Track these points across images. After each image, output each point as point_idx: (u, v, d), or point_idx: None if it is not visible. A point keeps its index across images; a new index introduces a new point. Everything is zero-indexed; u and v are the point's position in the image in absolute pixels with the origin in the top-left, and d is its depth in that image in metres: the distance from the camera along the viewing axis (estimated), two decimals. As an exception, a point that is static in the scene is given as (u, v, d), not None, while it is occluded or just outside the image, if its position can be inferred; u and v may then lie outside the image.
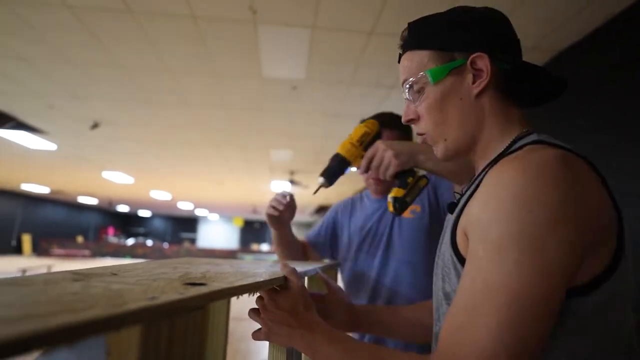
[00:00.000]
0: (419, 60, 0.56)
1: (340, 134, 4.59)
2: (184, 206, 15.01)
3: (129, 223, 22.26)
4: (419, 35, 0.58)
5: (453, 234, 0.49)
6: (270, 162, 6.28)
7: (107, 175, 7.93)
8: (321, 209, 13.82)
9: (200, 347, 0.30)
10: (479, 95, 0.53)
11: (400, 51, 0.62)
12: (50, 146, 5.43)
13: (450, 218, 0.55)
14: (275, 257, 1.18)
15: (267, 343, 0.65)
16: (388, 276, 1.02)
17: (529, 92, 0.57)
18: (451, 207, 0.56)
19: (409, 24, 0.61)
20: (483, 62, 0.52)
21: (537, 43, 2.43)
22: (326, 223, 1.27)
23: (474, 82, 0.53)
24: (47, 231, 14.94)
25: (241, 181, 8.43)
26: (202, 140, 5.07)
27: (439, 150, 0.58)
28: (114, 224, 20.96)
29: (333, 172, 0.82)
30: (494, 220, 0.40)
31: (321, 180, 0.82)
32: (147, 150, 5.71)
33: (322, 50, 2.63)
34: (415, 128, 0.62)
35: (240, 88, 3.30)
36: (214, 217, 21.91)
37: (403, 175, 0.79)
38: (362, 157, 0.81)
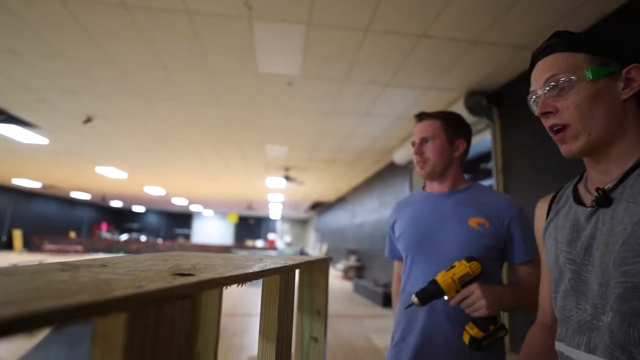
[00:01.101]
0: (572, 60, 0.64)
1: (335, 131, 4.60)
2: (179, 202, 14.95)
3: (122, 218, 22.11)
4: (573, 40, 0.66)
5: None
6: (266, 158, 6.27)
7: (100, 170, 7.87)
8: (316, 205, 13.84)
9: (190, 339, 0.31)
10: (625, 101, 0.62)
11: (539, 56, 0.69)
12: (42, 140, 5.37)
13: (613, 212, 0.61)
14: (269, 252, 1.17)
15: (257, 339, 0.65)
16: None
17: None
18: (607, 200, 0.62)
19: (556, 32, 0.69)
20: (637, 72, 0.62)
21: (530, 42, 2.45)
22: (390, 234, 1.31)
23: (624, 89, 0.62)
24: (38, 226, 14.79)
25: (236, 177, 8.41)
26: (198, 137, 5.05)
27: (577, 144, 0.64)
28: (107, 219, 20.81)
29: (429, 296, 0.89)
30: None
31: (415, 299, 0.89)
32: (141, 146, 5.68)
33: (317, 47, 2.63)
34: (546, 121, 0.67)
35: (235, 84, 3.29)
36: (208, 213, 21.84)
37: (486, 321, 0.88)
38: (457, 291, 0.90)
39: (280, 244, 15.20)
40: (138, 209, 21.02)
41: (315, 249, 15.92)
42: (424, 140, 1.15)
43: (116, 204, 18.14)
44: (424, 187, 1.25)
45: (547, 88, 0.66)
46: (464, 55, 2.66)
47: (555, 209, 0.76)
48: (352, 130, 4.56)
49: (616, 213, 0.60)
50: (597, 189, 0.64)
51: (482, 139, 3.45)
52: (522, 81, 2.86)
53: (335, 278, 9.80)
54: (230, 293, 6.18)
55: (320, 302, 0.76)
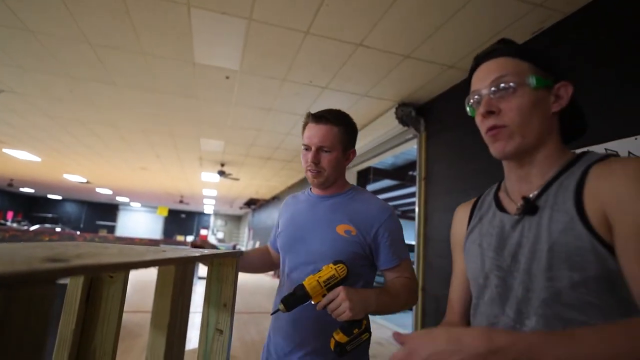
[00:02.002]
0: (518, 66, 0.67)
1: (273, 128, 4.59)
2: (103, 192, 13.79)
3: (34, 207, 19.82)
4: (520, 48, 0.69)
5: (585, 223, 0.57)
6: (200, 151, 6.06)
7: (9, 151, 6.99)
8: (251, 202, 13.64)
9: (44, 329, 0.31)
10: (553, 114, 0.67)
11: (484, 57, 0.71)
12: None
13: (538, 219, 0.63)
14: (183, 247, 1.16)
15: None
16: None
17: (571, 128, 0.72)
18: (533, 208, 0.64)
19: (504, 39, 0.73)
20: (566, 90, 0.67)
21: (455, 63, 2.68)
22: (276, 225, 1.33)
23: (553, 103, 0.67)
24: None
25: (168, 169, 7.99)
26: (126, 122, 4.72)
27: (512, 144, 0.65)
28: (14, 207, 18.50)
29: (294, 301, 0.89)
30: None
31: (281, 306, 0.88)
32: (61, 128, 5.16)
33: (258, 44, 2.62)
34: (486, 121, 0.68)
35: (170, 71, 3.14)
36: (136, 205, 20.43)
37: (351, 325, 0.89)
38: (323, 295, 0.89)
39: (212, 240, 14.74)
40: (54, 197, 18.99)
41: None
42: (321, 149, 1.10)
43: (28, 190, 16.21)
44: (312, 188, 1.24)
45: (493, 88, 0.67)
46: (397, 67, 2.83)
47: (478, 215, 0.77)
48: (290, 129, 4.59)
49: (542, 220, 0.62)
50: (523, 197, 0.66)
51: (411, 148, 3.69)
52: (446, 97, 3.12)
53: (267, 275, 9.77)
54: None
55: (228, 295, 0.78)
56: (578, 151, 0.70)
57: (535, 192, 0.66)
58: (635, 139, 1.61)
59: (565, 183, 0.63)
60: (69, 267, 0.30)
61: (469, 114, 0.76)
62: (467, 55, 2.57)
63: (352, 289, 0.90)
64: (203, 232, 19.96)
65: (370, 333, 0.91)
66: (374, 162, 4.54)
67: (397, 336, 0.55)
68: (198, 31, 2.49)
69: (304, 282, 0.90)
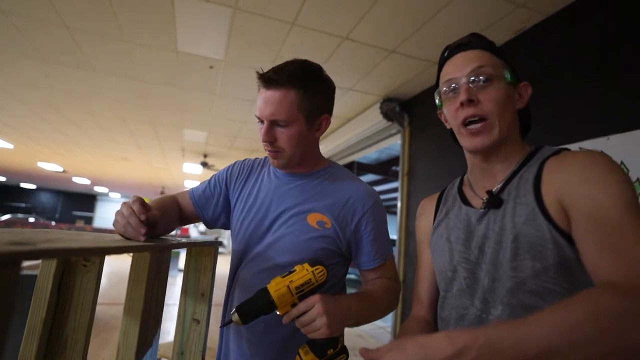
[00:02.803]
0: (494, 60, 0.68)
1: (259, 121, 4.54)
2: (80, 181, 13.41)
3: (6, 196, 19.12)
4: (494, 45, 0.71)
5: (545, 214, 0.59)
6: (183, 142, 5.95)
7: (-21, 137, 6.71)
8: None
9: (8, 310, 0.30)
10: (515, 111, 0.70)
11: (459, 48, 0.72)
12: None
13: (503, 212, 0.64)
14: (180, 240, 0.98)
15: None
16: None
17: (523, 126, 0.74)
18: (497, 201, 0.66)
19: (475, 33, 0.73)
20: (526, 90, 0.71)
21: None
22: (217, 184, 1.02)
23: (517, 100, 0.70)
24: None
25: (149, 159, 7.83)
26: (105, 110, 4.59)
27: (490, 138, 0.66)
28: (-15, 195, 17.81)
29: (254, 312, 0.67)
30: (605, 175, 0.55)
31: (235, 317, 0.66)
32: (35, 114, 4.97)
33: (243, 34, 2.58)
34: (464, 111, 0.67)
35: (152, 58, 3.06)
36: (115, 195, 19.97)
37: (325, 344, 0.69)
38: (293, 304, 0.69)
39: (193, 232, 14.56)
40: (28, 186, 18.36)
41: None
42: (274, 124, 0.87)
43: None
44: None
45: (473, 77, 0.66)
46: (382, 62, 2.84)
47: (444, 209, 0.77)
48: (275, 122, 4.56)
49: (506, 213, 0.64)
50: (488, 192, 0.68)
51: (395, 144, 3.72)
52: (430, 93, 3.15)
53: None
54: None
55: (205, 284, 0.77)
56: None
57: (499, 186, 0.68)
58: (608, 139, 1.67)
59: (524, 176, 0.65)
60: (35, 250, 0.29)
61: (437, 104, 0.76)
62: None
63: (329, 299, 0.71)
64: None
65: (347, 355, 0.72)
66: (358, 157, 4.56)
67: (365, 353, 0.52)
68: (182, 18, 2.44)
69: (268, 286, 0.68)
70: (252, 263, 0.88)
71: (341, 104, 3.65)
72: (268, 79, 0.85)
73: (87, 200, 20.36)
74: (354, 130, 4.00)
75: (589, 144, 1.73)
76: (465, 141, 0.70)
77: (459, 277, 0.69)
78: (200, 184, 1.04)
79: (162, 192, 14.76)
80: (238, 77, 3.31)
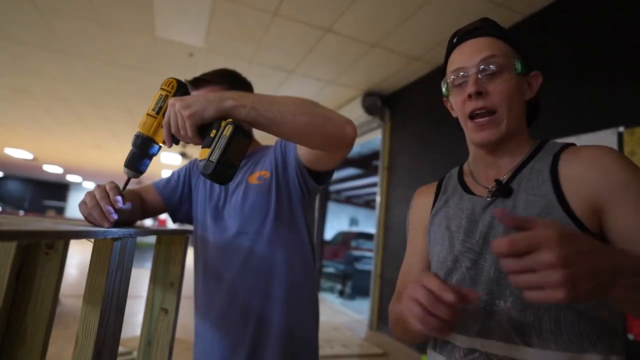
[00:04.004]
0: (505, 48, 0.65)
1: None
2: (51, 170, 12.91)
3: (-29, 183, 18.23)
4: (506, 33, 0.67)
5: (564, 205, 0.57)
6: (161, 131, 5.81)
7: (-60, 120, 6.34)
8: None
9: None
10: (524, 102, 0.67)
11: (467, 35, 0.68)
12: None
13: (513, 202, 0.62)
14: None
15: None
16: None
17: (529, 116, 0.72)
18: (507, 190, 0.63)
19: (486, 18, 0.68)
20: (536, 80, 0.68)
21: (421, 55, 2.73)
22: (180, 175, 1.07)
23: (527, 90, 0.67)
24: None
25: (125, 148, 7.59)
26: (78, 96, 4.42)
27: (499, 131, 0.63)
28: (-52, 182, 16.92)
29: (137, 157, 0.66)
30: (631, 173, 0.56)
31: (126, 171, 0.67)
32: (1, 98, 4.74)
33: (224, 22, 2.52)
34: (473, 103, 0.63)
35: (128, 43, 2.96)
36: (89, 185, 19.36)
37: (205, 131, 0.65)
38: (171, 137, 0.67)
39: (172, 224, 14.28)
40: (-5, 173, 17.56)
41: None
42: None
43: (-36, 164, 14.85)
44: None
45: (483, 67, 0.64)
46: (364, 56, 2.83)
47: (443, 197, 0.75)
48: (256, 113, 4.50)
49: (517, 203, 0.61)
50: (496, 180, 0.65)
51: (376, 138, 3.74)
52: (412, 89, 3.18)
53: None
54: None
55: (175, 274, 0.75)
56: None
57: (506, 176, 0.66)
58: (577, 138, 1.73)
59: (536, 167, 0.64)
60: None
61: (444, 91, 0.72)
62: (433, 48, 2.61)
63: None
64: (162, 215, 19.30)
65: (232, 123, 0.64)
66: (338, 151, 4.56)
67: (514, 219, 0.43)
68: (160, 2, 2.36)
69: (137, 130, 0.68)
70: (214, 252, 0.91)
71: (322, 97, 3.63)
72: (198, 80, 0.95)
73: (59, 190, 19.63)
74: (336, 123, 3.99)
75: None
76: (472, 134, 0.67)
77: (460, 267, 0.66)
78: (162, 178, 1.09)
79: (139, 183, 14.39)
80: (218, 66, 3.22)
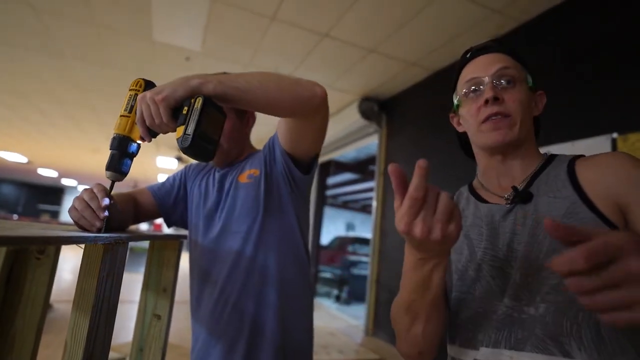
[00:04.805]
0: (517, 65, 0.69)
1: (236, 116, 4.47)
2: (46, 173, 12.82)
3: (-36, 186, 18.05)
4: (516, 51, 0.72)
5: (590, 207, 0.57)
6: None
7: None
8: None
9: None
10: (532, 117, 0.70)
11: (481, 51, 0.72)
12: None
13: (534, 207, 0.62)
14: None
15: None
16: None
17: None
18: (528, 195, 0.64)
19: (496, 39, 0.72)
20: (541, 100, 0.72)
21: (418, 60, 2.74)
22: (176, 179, 1.08)
23: (534, 107, 0.70)
24: None
25: (121, 152, 7.56)
26: (75, 99, 4.40)
27: (511, 134, 0.65)
28: (-59, 185, 16.74)
29: (117, 158, 0.67)
30: None
31: (108, 174, 0.67)
32: (-3, 100, 4.71)
33: (222, 26, 2.53)
34: (489, 108, 0.65)
35: (125, 46, 2.95)
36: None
37: (178, 112, 0.67)
38: (150, 133, 0.69)
39: (166, 228, 14.20)
40: (-11, 176, 17.40)
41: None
42: None
43: (-43, 167, 14.71)
44: None
45: (499, 76, 0.67)
46: (362, 61, 2.84)
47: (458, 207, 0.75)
48: (253, 118, 4.50)
49: (539, 207, 0.62)
50: (513, 187, 0.66)
51: (373, 143, 3.74)
52: (408, 94, 3.19)
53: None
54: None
55: (168, 279, 0.74)
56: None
57: (523, 183, 0.67)
58: (572, 144, 1.74)
59: (552, 173, 0.65)
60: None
61: (455, 103, 0.74)
62: (429, 54, 2.63)
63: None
64: (158, 220, 19.18)
65: (201, 96, 0.67)
66: (336, 155, 4.57)
67: (571, 231, 0.36)
68: (158, 6, 2.36)
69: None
70: (205, 261, 0.90)
71: (320, 102, 3.64)
72: None
73: (53, 194, 19.46)
74: (332, 128, 4.00)
75: (555, 149, 1.80)
76: (486, 137, 0.67)
77: (484, 276, 0.65)
78: (157, 182, 1.11)
79: (134, 186, 14.31)
80: (215, 70, 3.24)
